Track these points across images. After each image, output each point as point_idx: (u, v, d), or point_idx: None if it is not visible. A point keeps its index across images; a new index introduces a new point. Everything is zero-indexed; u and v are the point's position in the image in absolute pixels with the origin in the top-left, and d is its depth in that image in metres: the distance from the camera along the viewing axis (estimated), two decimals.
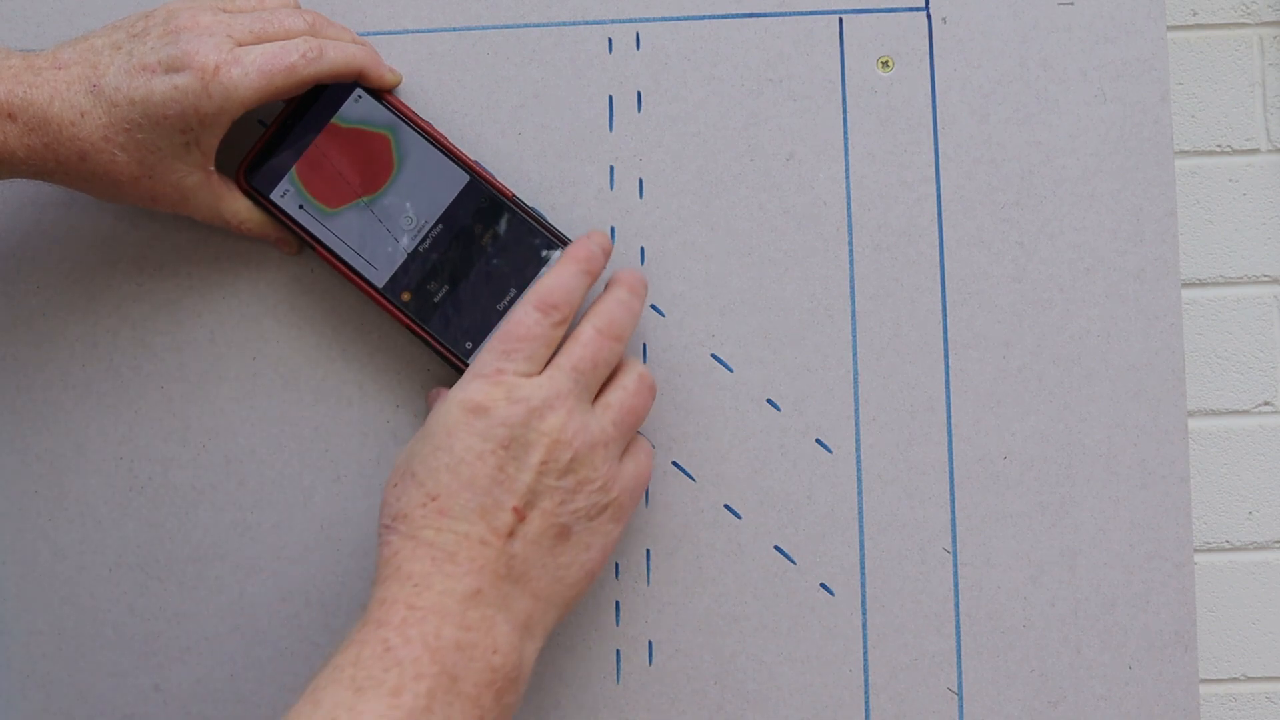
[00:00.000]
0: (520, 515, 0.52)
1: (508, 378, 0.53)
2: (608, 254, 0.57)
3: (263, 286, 0.61)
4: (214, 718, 0.60)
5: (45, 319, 0.61)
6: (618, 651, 0.60)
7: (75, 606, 0.61)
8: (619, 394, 0.55)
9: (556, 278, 0.55)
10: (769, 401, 0.60)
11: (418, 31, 0.61)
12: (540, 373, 0.53)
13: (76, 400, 0.61)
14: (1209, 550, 0.62)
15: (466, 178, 0.58)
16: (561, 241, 0.58)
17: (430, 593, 0.50)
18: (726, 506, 0.60)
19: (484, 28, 0.61)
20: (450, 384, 0.61)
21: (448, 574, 0.50)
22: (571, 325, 0.55)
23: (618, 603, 0.60)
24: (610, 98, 0.61)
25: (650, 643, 0.60)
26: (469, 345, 0.57)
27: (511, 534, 0.51)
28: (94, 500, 0.61)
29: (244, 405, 0.61)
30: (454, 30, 0.61)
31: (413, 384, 0.61)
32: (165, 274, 0.61)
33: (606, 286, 0.57)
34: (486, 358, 0.53)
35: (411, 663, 0.48)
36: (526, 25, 0.61)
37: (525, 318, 0.54)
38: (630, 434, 0.56)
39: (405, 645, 0.48)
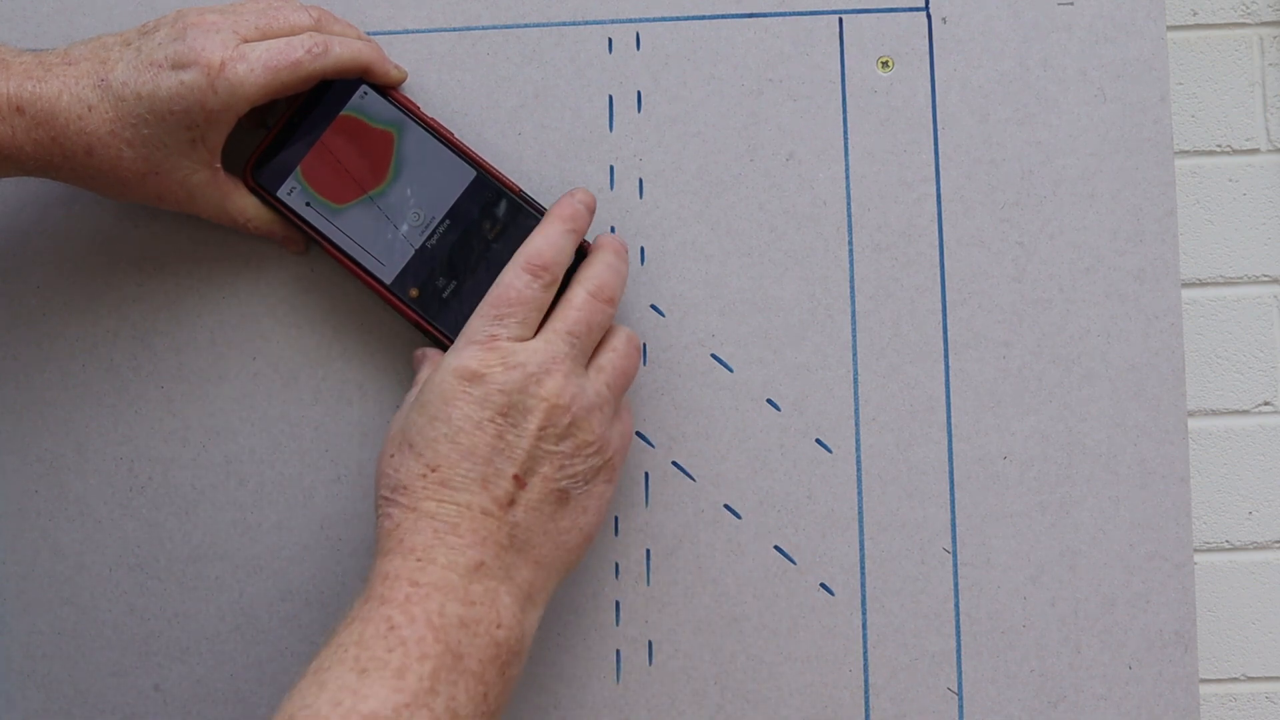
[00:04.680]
0: (520, 483, 0.52)
1: (502, 343, 0.53)
2: (592, 210, 0.57)
3: (263, 286, 0.61)
4: (214, 718, 0.60)
5: (45, 319, 0.61)
6: (618, 651, 0.60)
7: (75, 606, 0.61)
8: (610, 356, 0.56)
9: (544, 238, 0.55)
10: (769, 401, 0.60)
11: (418, 31, 0.61)
12: (533, 336, 0.54)
13: (76, 400, 0.61)
14: (1209, 550, 0.62)
15: (473, 173, 0.58)
16: None
17: (433, 567, 0.50)
18: (726, 506, 0.60)
19: (484, 28, 0.61)
20: None
21: (451, 547, 0.50)
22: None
23: (618, 603, 0.60)
24: (610, 98, 0.61)
25: (650, 643, 0.60)
26: None
27: (513, 503, 0.52)
28: (94, 500, 0.61)
29: (244, 405, 0.61)
30: (454, 30, 0.61)
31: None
32: (165, 274, 0.61)
33: (591, 250, 0.57)
34: (478, 324, 0.53)
35: (416, 642, 0.48)
36: (526, 25, 0.61)
37: (515, 280, 0.54)
38: (622, 395, 0.56)
39: (409, 624, 0.48)
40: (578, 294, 0.55)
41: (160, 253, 0.61)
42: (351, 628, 0.49)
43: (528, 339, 0.53)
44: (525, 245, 0.55)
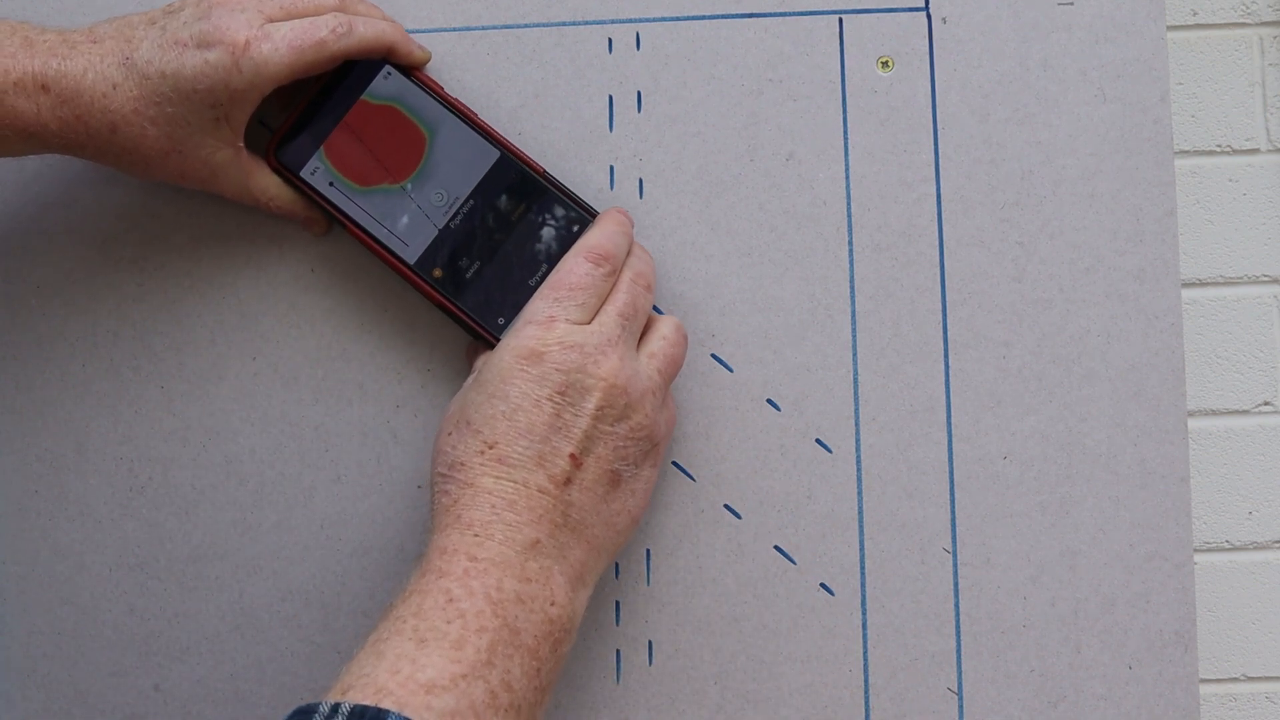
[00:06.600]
0: (577, 462, 0.52)
1: (560, 324, 0.53)
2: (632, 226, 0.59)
3: (263, 286, 0.61)
4: (214, 718, 0.60)
5: (45, 319, 0.61)
6: (618, 651, 0.60)
7: (75, 606, 0.61)
8: (660, 344, 0.56)
9: (603, 231, 0.56)
10: (769, 401, 0.60)
11: (418, 31, 0.61)
12: (590, 321, 0.54)
13: (76, 400, 0.61)
14: (1209, 550, 0.62)
15: (497, 153, 0.58)
16: (592, 215, 0.58)
17: (491, 543, 0.50)
18: (726, 506, 0.60)
19: (484, 28, 0.61)
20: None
21: (508, 523, 0.51)
22: None
23: (618, 603, 0.60)
24: (610, 98, 0.61)
25: (650, 643, 0.60)
26: (501, 321, 0.57)
27: (568, 482, 0.52)
28: (94, 500, 0.61)
29: (244, 405, 0.61)
30: (454, 30, 0.61)
31: (413, 384, 0.61)
32: (165, 274, 0.61)
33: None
34: (539, 305, 0.54)
35: (474, 615, 0.48)
36: (526, 25, 0.61)
37: (577, 267, 0.55)
38: (670, 382, 0.57)
39: (468, 597, 0.49)
40: (623, 278, 0.56)
41: (160, 253, 0.61)
42: (410, 600, 0.49)
43: (585, 323, 0.54)
44: (584, 238, 0.56)
